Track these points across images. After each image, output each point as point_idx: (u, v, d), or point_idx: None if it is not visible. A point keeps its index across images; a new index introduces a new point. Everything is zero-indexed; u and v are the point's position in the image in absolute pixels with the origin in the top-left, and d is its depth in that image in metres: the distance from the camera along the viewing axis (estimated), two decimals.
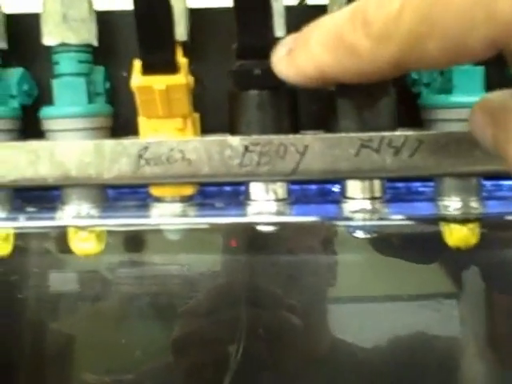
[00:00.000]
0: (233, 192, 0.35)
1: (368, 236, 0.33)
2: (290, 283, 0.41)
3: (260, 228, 0.32)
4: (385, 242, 0.37)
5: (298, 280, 0.41)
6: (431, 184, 0.33)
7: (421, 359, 0.41)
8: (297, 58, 0.23)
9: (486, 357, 0.41)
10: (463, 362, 0.41)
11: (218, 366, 0.40)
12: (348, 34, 0.20)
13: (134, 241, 0.41)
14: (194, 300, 0.40)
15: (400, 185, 0.35)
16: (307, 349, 0.41)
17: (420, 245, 0.37)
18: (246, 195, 0.32)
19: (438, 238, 0.32)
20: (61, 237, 0.34)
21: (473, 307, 0.40)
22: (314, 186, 0.35)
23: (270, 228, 0.32)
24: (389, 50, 0.19)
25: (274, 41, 0.28)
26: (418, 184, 0.35)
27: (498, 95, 0.20)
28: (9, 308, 0.41)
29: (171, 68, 0.28)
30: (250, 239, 0.39)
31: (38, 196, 0.34)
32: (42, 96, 0.34)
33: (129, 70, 0.29)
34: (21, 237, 0.35)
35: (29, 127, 0.33)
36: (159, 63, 0.28)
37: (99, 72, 0.33)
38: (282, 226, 0.32)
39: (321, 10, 0.34)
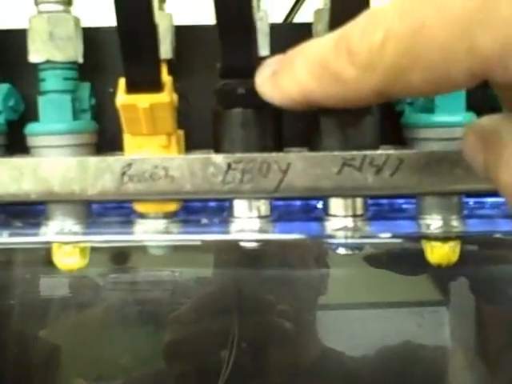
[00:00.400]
0: (217, 207, 0.35)
1: (350, 253, 0.33)
2: (279, 292, 0.42)
3: (244, 244, 0.32)
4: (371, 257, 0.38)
5: (288, 289, 0.41)
6: (414, 201, 0.33)
7: (409, 367, 0.41)
8: (281, 80, 0.23)
9: (473, 365, 0.41)
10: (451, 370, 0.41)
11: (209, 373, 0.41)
12: (333, 62, 0.21)
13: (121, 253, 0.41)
14: (183, 307, 0.40)
15: (383, 201, 0.35)
16: (297, 355, 0.41)
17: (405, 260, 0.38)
18: (230, 212, 0.32)
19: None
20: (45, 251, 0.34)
21: (460, 316, 0.40)
22: (298, 202, 0.35)
23: (254, 244, 0.32)
24: (373, 79, 0.20)
25: (258, 60, 0.28)
26: (401, 201, 0.36)
27: (489, 119, 0.21)
28: None
29: (155, 87, 0.28)
30: (237, 254, 0.40)
31: (22, 210, 0.34)
32: (28, 111, 0.34)
33: (115, 86, 0.29)
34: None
35: (15, 142, 0.33)
36: (143, 82, 0.28)
37: (85, 88, 0.33)
38: (266, 242, 0.32)
39: (305, 28, 0.34)
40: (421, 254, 0.33)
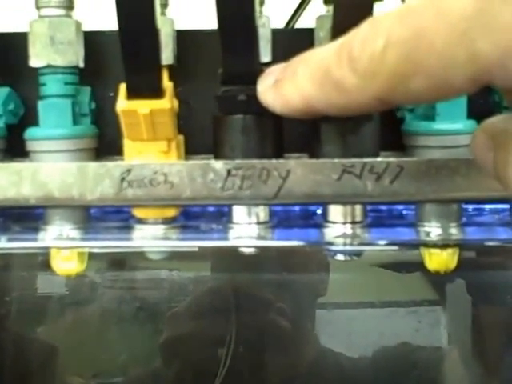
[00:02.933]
0: (216, 212, 0.35)
1: (349, 259, 0.34)
2: (277, 293, 0.42)
3: (243, 250, 0.32)
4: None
5: (288, 287, 0.42)
6: (414, 207, 0.33)
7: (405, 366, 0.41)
8: (283, 89, 0.23)
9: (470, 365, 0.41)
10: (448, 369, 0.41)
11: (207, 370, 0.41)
12: (334, 70, 0.21)
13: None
14: (182, 304, 0.40)
15: (382, 208, 0.35)
16: (295, 355, 0.41)
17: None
18: (229, 218, 0.32)
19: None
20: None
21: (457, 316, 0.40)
22: (297, 208, 0.35)
23: (253, 250, 0.32)
24: (374, 86, 0.20)
25: (259, 67, 0.28)
26: (400, 207, 0.36)
27: (499, 119, 0.21)
28: None
29: (156, 92, 0.28)
30: (235, 260, 0.40)
31: (21, 214, 0.34)
32: (28, 115, 0.34)
33: (115, 91, 0.29)
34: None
35: (14, 146, 0.33)
36: (144, 87, 0.28)
37: (85, 93, 0.33)
38: (265, 248, 0.32)
39: (307, 34, 0.34)
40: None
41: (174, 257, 0.38)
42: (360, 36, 0.20)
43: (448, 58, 0.18)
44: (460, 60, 0.18)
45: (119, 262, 0.41)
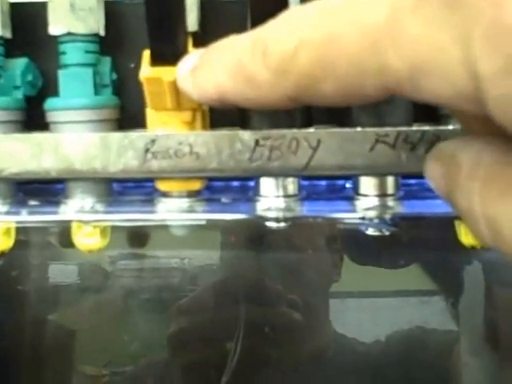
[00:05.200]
0: (241, 187, 0.34)
1: (379, 234, 0.32)
2: (291, 278, 0.41)
3: (268, 224, 0.31)
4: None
5: (300, 275, 0.41)
6: None
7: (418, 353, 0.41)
8: (199, 77, 0.23)
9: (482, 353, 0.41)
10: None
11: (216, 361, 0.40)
12: (248, 63, 0.20)
13: (135, 235, 0.40)
14: (191, 295, 0.40)
15: (412, 181, 0.34)
16: (307, 344, 0.40)
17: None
18: (256, 190, 0.31)
19: None
20: (64, 231, 0.33)
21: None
22: (323, 182, 0.34)
23: (279, 224, 0.31)
24: (285, 84, 0.19)
25: None
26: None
27: (447, 143, 0.21)
28: (10, 302, 0.41)
29: (182, 59, 0.27)
30: (253, 235, 0.39)
31: (40, 189, 0.33)
32: (46, 87, 0.33)
33: (136, 61, 0.28)
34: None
35: (33, 119, 0.32)
36: (169, 54, 0.27)
37: (106, 63, 0.32)
38: (292, 222, 0.31)
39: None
40: None
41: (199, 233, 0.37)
42: (275, 31, 0.20)
43: (359, 66, 0.18)
44: (370, 70, 0.17)
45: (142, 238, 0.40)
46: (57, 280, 0.41)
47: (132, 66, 0.33)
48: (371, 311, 0.40)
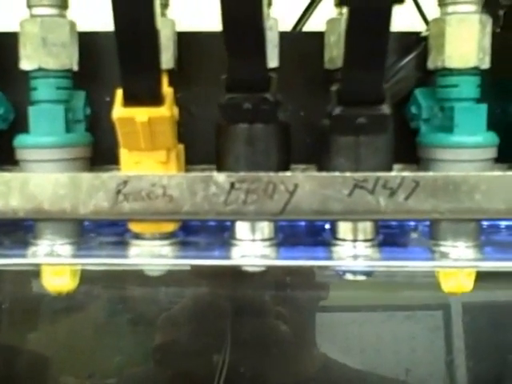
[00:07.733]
0: (217, 227, 0.33)
1: (358, 279, 0.32)
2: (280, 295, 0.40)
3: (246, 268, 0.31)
4: None
5: (289, 291, 0.40)
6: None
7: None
8: None
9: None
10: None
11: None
12: None
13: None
14: (176, 307, 0.39)
15: (394, 223, 0.33)
16: (295, 359, 0.40)
17: None
18: (231, 233, 0.30)
19: None
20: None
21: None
22: (303, 223, 0.33)
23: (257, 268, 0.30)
24: None
25: (267, 72, 0.27)
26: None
27: None
28: None
29: (155, 99, 0.26)
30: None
31: (12, 224, 0.32)
32: (19, 120, 0.32)
33: (112, 95, 0.27)
34: None
35: (3, 153, 0.31)
36: (143, 94, 0.26)
37: (80, 97, 0.31)
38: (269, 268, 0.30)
39: (316, 38, 0.32)
40: None
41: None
42: None
43: None
44: None
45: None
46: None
47: (107, 99, 0.32)
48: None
